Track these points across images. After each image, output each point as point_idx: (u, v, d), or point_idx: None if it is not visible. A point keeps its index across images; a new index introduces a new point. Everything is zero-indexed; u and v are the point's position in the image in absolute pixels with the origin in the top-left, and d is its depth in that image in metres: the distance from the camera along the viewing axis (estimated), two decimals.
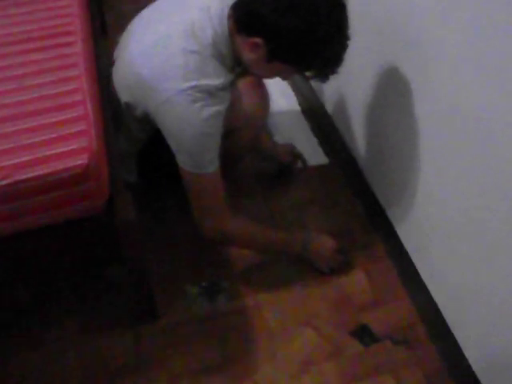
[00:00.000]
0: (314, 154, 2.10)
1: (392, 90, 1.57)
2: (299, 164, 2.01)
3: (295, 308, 1.61)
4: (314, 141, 2.17)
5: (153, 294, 1.53)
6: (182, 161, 1.37)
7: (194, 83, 1.27)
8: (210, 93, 1.30)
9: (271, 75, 1.44)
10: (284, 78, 1.45)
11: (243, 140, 1.59)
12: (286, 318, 1.59)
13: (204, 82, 1.29)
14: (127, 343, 1.53)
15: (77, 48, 1.43)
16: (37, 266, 1.36)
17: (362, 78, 1.75)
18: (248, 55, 1.31)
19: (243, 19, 1.28)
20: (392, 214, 1.75)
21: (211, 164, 1.37)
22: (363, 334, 1.56)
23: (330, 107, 2.13)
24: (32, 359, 1.48)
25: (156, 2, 1.48)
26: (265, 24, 1.23)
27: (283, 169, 2.00)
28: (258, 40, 1.25)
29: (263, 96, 1.52)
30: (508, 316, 1.24)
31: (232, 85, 1.40)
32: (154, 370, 1.48)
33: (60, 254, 1.35)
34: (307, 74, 1.37)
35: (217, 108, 1.32)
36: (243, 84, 1.45)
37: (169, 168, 1.44)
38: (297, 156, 2.00)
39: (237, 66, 1.41)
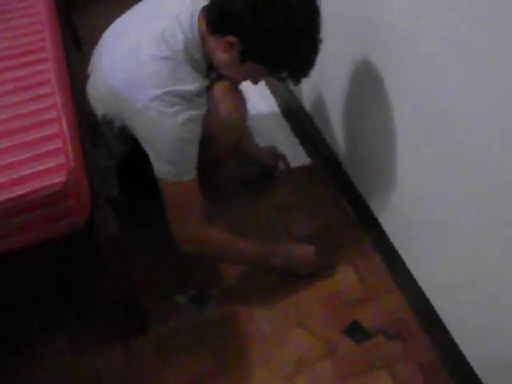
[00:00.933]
0: (296, 154, 2.10)
1: (367, 85, 1.58)
2: (281, 165, 2.01)
3: (286, 310, 1.61)
4: (296, 141, 2.17)
5: (141, 308, 1.52)
6: (160, 169, 1.35)
7: (167, 89, 1.26)
8: (185, 98, 1.29)
9: (243, 77, 1.43)
10: (254, 82, 1.45)
11: (223, 146, 1.58)
12: (277, 321, 1.59)
13: (178, 87, 1.28)
14: (118, 358, 1.52)
15: (49, 65, 1.43)
16: (21, 286, 1.35)
17: (337, 76, 1.76)
18: (221, 56, 1.32)
19: (217, 19, 1.28)
20: (377, 209, 1.75)
21: (189, 172, 1.36)
22: (355, 330, 1.56)
23: (308, 107, 2.14)
24: (23, 379, 1.47)
25: (124, 15, 1.48)
26: (240, 22, 1.23)
27: (267, 172, 2.00)
28: (232, 39, 1.26)
29: (240, 101, 1.51)
30: (497, 304, 1.25)
31: (207, 91, 1.40)
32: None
33: (45, 273, 1.34)
34: (279, 76, 1.37)
35: (193, 113, 1.31)
36: (219, 90, 1.45)
37: (150, 181, 1.43)
38: (279, 157, 2.00)
39: (211, 72, 1.41)
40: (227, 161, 1.83)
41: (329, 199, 1.95)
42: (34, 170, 1.14)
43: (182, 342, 1.55)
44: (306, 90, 2.11)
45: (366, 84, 1.58)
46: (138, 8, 1.47)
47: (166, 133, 1.30)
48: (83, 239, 1.26)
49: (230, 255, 1.56)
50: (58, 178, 1.12)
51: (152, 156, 1.35)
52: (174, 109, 1.27)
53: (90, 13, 2.92)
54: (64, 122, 1.25)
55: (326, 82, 1.90)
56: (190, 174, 1.36)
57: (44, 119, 1.25)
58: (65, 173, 1.12)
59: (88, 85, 1.48)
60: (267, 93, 2.39)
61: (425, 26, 1.22)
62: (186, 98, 1.29)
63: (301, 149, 2.14)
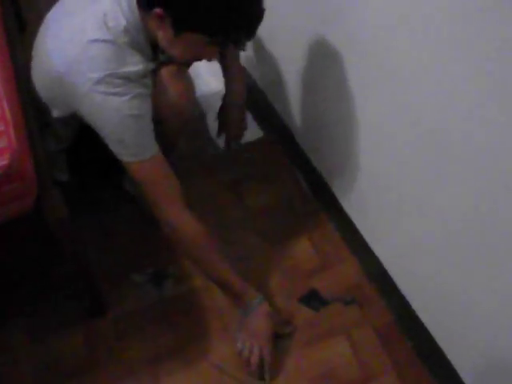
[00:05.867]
0: (249, 129, 2.09)
1: (322, 57, 1.57)
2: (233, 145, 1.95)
3: None
4: (248, 116, 2.16)
5: (98, 289, 1.52)
6: (119, 152, 1.32)
7: (110, 72, 1.25)
8: (129, 79, 1.27)
9: (187, 54, 1.36)
10: (208, 57, 1.39)
11: (172, 129, 1.55)
12: None
13: (121, 69, 1.26)
14: (79, 340, 1.52)
15: None
16: None
17: (291, 48, 1.75)
18: (159, 35, 1.29)
19: None
20: (330, 179, 1.78)
21: (149, 148, 1.33)
22: (312, 298, 1.59)
23: (261, 82, 2.14)
24: None
25: None
26: None
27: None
28: (159, 11, 1.22)
29: (187, 84, 1.49)
30: (445, 263, 1.29)
31: (154, 74, 1.37)
32: (109, 364, 1.48)
33: None
34: (222, 43, 1.33)
35: (138, 91, 1.29)
36: (165, 74, 1.41)
37: (100, 164, 1.41)
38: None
39: (160, 54, 1.38)
40: (177, 143, 1.81)
41: (283, 172, 1.96)
42: None
43: (141, 321, 1.56)
44: (259, 64, 2.10)
45: (321, 57, 1.58)
46: None
47: (114, 112, 1.28)
48: (34, 222, 1.24)
49: (198, 258, 1.46)
50: (1, 162, 1.09)
51: (106, 140, 1.33)
52: (119, 89, 1.26)
53: None
54: (5, 105, 1.21)
55: (277, 54, 1.90)
56: (150, 150, 1.33)
57: None
58: (8, 156, 1.10)
59: (32, 69, 1.44)
60: (218, 70, 2.36)
61: None
62: (130, 79, 1.27)
63: (254, 123, 2.14)
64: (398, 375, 1.46)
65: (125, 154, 1.32)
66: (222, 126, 1.84)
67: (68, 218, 1.23)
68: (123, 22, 1.28)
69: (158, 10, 1.23)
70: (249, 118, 2.15)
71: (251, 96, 2.19)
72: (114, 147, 1.33)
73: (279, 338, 1.49)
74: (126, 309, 1.58)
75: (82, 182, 1.67)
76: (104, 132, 1.32)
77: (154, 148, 1.34)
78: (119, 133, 1.30)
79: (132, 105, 1.28)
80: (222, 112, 1.81)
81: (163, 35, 1.29)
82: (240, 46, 1.37)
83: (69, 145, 1.54)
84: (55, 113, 1.41)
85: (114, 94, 1.26)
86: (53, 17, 1.43)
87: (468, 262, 1.22)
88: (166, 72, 1.42)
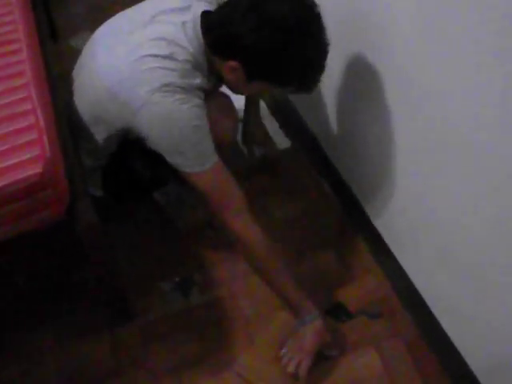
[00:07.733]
0: (276, 138, 2.10)
1: (357, 75, 1.56)
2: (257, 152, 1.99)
3: (268, 293, 1.56)
4: (276, 125, 2.17)
5: (125, 295, 1.53)
6: (179, 164, 1.31)
7: (167, 81, 1.23)
8: (185, 89, 1.26)
9: (253, 94, 1.41)
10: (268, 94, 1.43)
11: None
12: (260, 305, 1.61)
13: (179, 80, 1.25)
14: (105, 347, 1.53)
15: (22, 56, 1.40)
16: (3, 278, 1.35)
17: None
18: (227, 76, 1.31)
19: (217, 44, 1.27)
20: (358, 191, 1.77)
21: (209, 158, 1.31)
22: (338, 311, 1.58)
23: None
24: (10, 373, 1.48)
25: (126, 13, 1.43)
26: (238, 47, 1.22)
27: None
28: (234, 64, 1.24)
29: (234, 119, 1.53)
30: (474, 280, 1.28)
31: (207, 97, 1.36)
32: (134, 371, 1.49)
33: (27, 264, 1.35)
34: (289, 90, 1.36)
35: (196, 101, 1.28)
36: (215, 108, 1.40)
37: (135, 181, 1.41)
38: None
39: (211, 76, 1.37)
40: None
41: (309, 182, 1.96)
42: (11, 162, 1.13)
43: (167, 329, 1.57)
44: None
45: (355, 73, 1.58)
46: (134, 11, 1.41)
47: (173, 123, 1.26)
48: (65, 229, 1.26)
49: (260, 268, 1.44)
50: (35, 170, 1.11)
51: (165, 153, 1.31)
52: (177, 97, 1.24)
53: (67, 1, 2.88)
54: (40, 114, 1.23)
55: None
56: (210, 160, 1.32)
57: (19, 111, 1.24)
58: (41, 164, 1.12)
59: (75, 88, 1.43)
60: None
61: (416, 13, 1.22)
62: (186, 90, 1.26)
63: (280, 132, 2.15)
64: None
65: (185, 166, 1.31)
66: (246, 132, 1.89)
67: (98, 226, 1.24)
68: (187, 46, 1.28)
69: (233, 63, 1.24)
70: (275, 126, 2.16)
71: (277, 104, 2.21)
72: (172, 159, 1.31)
73: (323, 358, 1.49)
74: (152, 316, 1.59)
75: (116, 198, 1.66)
76: (162, 145, 1.30)
77: (214, 157, 1.33)
78: (179, 144, 1.28)
79: (191, 115, 1.27)
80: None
81: (232, 79, 1.31)
82: (308, 91, 1.34)
83: (106, 161, 1.53)
84: (98, 130, 1.40)
85: (172, 103, 1.24)
86: (107, 32, 1.42)
87: (495, 279, 1.20)
88: (215, 105, 1.41)
